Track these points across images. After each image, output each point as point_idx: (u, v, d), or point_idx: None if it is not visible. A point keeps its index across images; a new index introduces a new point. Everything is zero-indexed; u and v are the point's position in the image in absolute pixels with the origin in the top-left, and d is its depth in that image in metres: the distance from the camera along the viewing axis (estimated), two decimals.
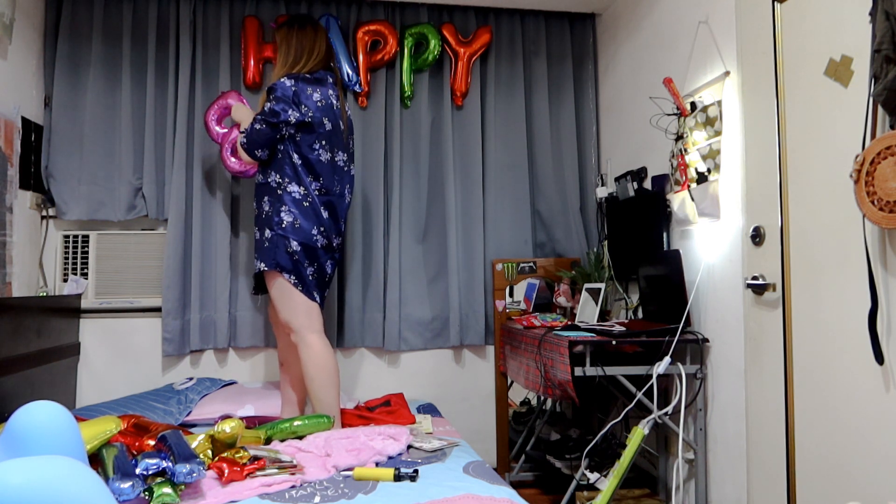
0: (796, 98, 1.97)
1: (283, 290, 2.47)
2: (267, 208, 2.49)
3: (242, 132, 2.50)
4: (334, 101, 2.55)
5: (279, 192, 2.46)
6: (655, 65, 2.84)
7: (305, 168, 2.47)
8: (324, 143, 2.48)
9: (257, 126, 2.45)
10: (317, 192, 2.48)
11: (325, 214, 2.50)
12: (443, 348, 3.29)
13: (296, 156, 2.46)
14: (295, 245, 2.44)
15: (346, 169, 2.58)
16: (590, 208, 3.43)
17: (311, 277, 2.48)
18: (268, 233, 2.47)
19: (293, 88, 2.45)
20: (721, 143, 2.32)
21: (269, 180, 2.50)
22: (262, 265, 2.48)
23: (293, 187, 2.46)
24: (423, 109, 3.29)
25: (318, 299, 2.51)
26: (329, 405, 2.47)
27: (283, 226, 2.44)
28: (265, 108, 2.46)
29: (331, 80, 2.59)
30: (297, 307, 2.48)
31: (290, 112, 2.43)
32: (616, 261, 3.06)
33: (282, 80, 2.46)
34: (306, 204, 2.46)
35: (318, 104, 2.48)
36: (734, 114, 2.28)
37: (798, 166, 1.96)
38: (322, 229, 2.49)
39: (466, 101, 3.34)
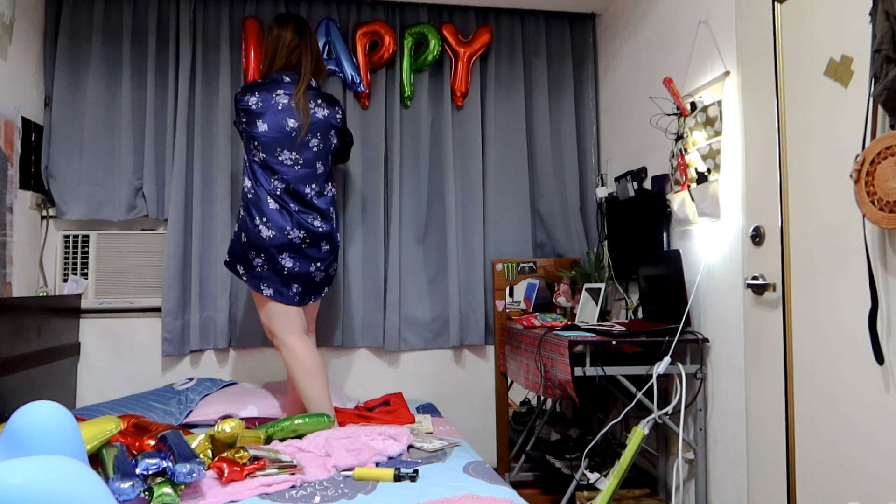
0: (796, 98, 1.97)
1: (257, 298, 2.58)
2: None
3: None
4: (282, 101, 2.54)
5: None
6: (655, 65, 2.84)
7: (249, 166, 2.58)
8: (256, 143, 2.54)
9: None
10: (261, 188, 2.55)
11: (271, 205, 2.51)
12: (443, 348, 3.29)
13: (245, 154, 2.61)
14: (243, 237, 2.54)
15: (297, 168, 2.56)
16: (590, 208, 3.43)
17: (258, 269, 2.52)
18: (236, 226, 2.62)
19: (237, 95, 2.57)
20: (721, 143, 2.32)
21: None
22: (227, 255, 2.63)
23: (246, 182, 2.58)
24: (423, 109, 3.29)
25: (268, 292, 2.52)
26: (321, 403, 2.48)
27: (239, 217, 2.56)
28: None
29: (287, 79, 2.57)
30: (269, 311, 2.55)
31: (240, 118, 2.57)
32: (616, 261, 3.06)
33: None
34: (250, 196, 2.55)
35: (255, 107, 2.53)
36: (734, 114, 2.28)
37: (798, 166, 1.96)
38: (265, 220, 2.50)
39: (466, 101, 3.34)
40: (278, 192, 2.52)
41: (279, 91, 2.55)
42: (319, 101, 2.62)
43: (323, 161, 2.62)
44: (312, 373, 2.49)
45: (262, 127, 2.52)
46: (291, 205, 2.52)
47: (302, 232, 2.52)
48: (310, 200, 2.56)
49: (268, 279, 2.52)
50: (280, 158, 2.54)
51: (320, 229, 2.57)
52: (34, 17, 2.92)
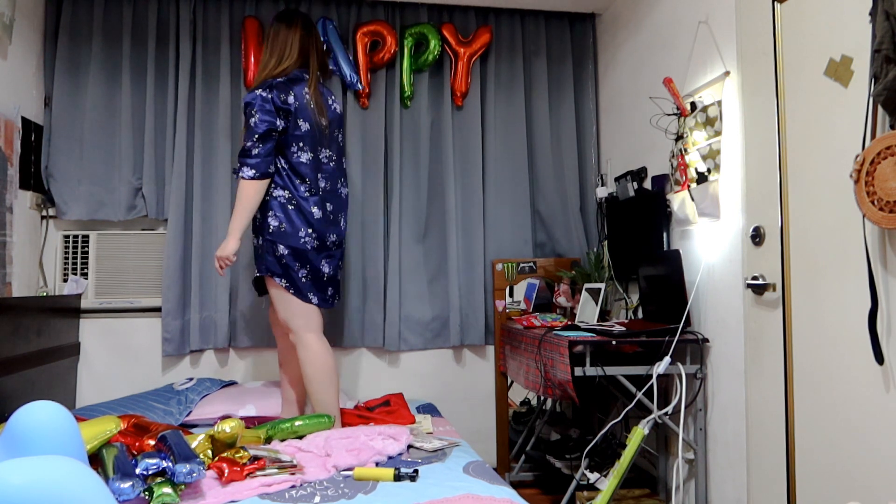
0: (796, 98, 1.97)
1: (280, 293, 2.49)
2: (258, 215, 2.49)
3: (238, 168, 2.42)
4: (309, 99, 2.52)
5: (266, 198, 2.46)
6: (655, 65, 2.84)
7: (290, 171, 2.47)
8: (301, 144, 2.47)
9: (254, 148, 2.39)
10: (307, 194, 2.48)
11: (316, 214, 2.49)
12: (443, 348, 3.29)
13: (281, 160, 2.47)
14: (282, 249, 2.44)
15: (332, 164, 2.57)
16: (590, 208, 3.43)
17: (303, 280, 2.48)
18: (260, 239, 2.49)
19: (269, 96, 2.42)
20: (721, 143, 2.32)
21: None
22: (257, 271, 2.52)
23: (278, 192, 2.46)
24: (423, 109, 3.29)
25: (315, 300, 2.51)
26: (328, 405, 2.47)
27: (271, 230, 2.45)
28: (252, 126, 2.40)
29: (306, 76, 2.56)
30: (293, 309, 2.49)
31: (276, 122, 2.42)
32: (616, 261, 3.06)
33: (255, 92, 2.43)
34: (291, 207, 2.45)
35: (294, 107, 2.46)
36: (734, 114, 2.28)
37: (798, 166, 1.96)
38: (311, 230, 2.47)
39: (466, 101, 3.34)
40: (321, 194, 2.49)
41: (306, 88, 2.52)
42: (333, 96, 2.65)
43: (344, 155, 2.63)
44: (326, 374, 2.48)
45: (305, 126, 2.47)
46: (328, 205, 2.52)
47: (335, 236, 2.55)
48: (344, 197, 2.60)
49: (314, 288, 2.51)
50: (321, 157, 2.52)
51: (345, 230, 2.61)
52: (34, 17, 2.92)
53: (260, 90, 2.43)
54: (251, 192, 2.39)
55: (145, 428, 2.04)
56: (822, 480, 1.86)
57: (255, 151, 2.39)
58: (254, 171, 2.38)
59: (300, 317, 2.49)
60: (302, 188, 2.47)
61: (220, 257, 2.44)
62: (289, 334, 2.54)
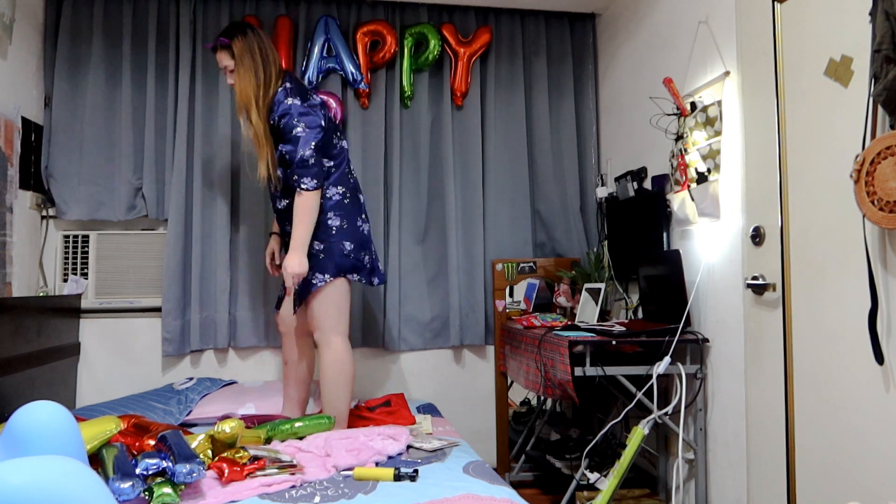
0: (796, 98, 1.97)
1: (326, 292, 2.46)
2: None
3: (297, 180, 2.38)
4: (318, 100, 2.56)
5: (321, 200, 2.47)
6: (655, 65, 2.84)
7: (336, 169, 2.50)
8: (335, 136, 2.52)
9: (311, 158, 2.38)
10: (353, 184, 2.56)
11: (361, 199, 2.59)
12: (443, 348, 3.29)
13: (325, 160, 2.47)
14: (348, 245, 2.48)
15: (347, 148, 2.64)
16: (590, 208, 3.43)
17: (368, 266, 2.56)
18: (317, 245, 2.46)
19: (300, 101, 2.42)
20: (721, 143, 2.32)
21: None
22: (326, 276, 2.45)
23: (331, 191, 2.47)
24: (423, 109, 3.29)
25: (376, 281, 2.60)
26: (339, 409, 2.47)
27: (333, 232, 2.46)
28: (297, 135, 2.38)
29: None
30: (334, 306, 2.47)
31: (320, 121, 2.42)
32: (616, 261, 3.06)
33: (285, 102, 2.41)
34: (346, 201, 2.50)
35: (331, 119, 2.52)
36: (734, 114, 2.28)
37: (798, 166, 1.96)
38: (363, 215, 2.57)
39: (466, 101, 3.34)
40: (356, 175, 2.62)
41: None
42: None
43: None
44: (345, 379, 2.48)
45: (328, 122, 2.51)
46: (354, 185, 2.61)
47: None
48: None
49: (374, 269, 2.59)
50: (344, 145, 2.59)
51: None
52: (34, 17, 2.92)
53: (289, 98, 2.42)
54: (314, 202, 2.40)
55: (145, 428, 2.04)
56: (822, 480, 1.86)
57: (312, 161, 2.38)
58: (316, 181, 2.39)
59: (333, 317, 2.48)
60: (351, 180, 2.55)
61: (297, 274, 2.39)
62: (314, 333, 2.51)
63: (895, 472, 1.61)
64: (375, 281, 2.60)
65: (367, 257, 2.55)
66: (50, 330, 2.71)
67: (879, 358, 1.63)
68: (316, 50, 3.14)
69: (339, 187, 2.49)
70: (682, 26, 2.62)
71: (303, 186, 2.38)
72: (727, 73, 2.31)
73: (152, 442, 1.88)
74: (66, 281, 2.96)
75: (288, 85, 2.47)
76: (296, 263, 2.38)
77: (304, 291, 2.47)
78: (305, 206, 2.39)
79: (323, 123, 2.44)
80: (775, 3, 2.06)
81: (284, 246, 2.67)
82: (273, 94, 2.46)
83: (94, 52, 3.02)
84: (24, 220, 2.81)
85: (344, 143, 2.58)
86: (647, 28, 2.92)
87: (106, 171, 3.02)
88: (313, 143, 2.39)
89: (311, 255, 2.46)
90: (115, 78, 3.06)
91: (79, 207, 2.97)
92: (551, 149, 3.41)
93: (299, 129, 2.39)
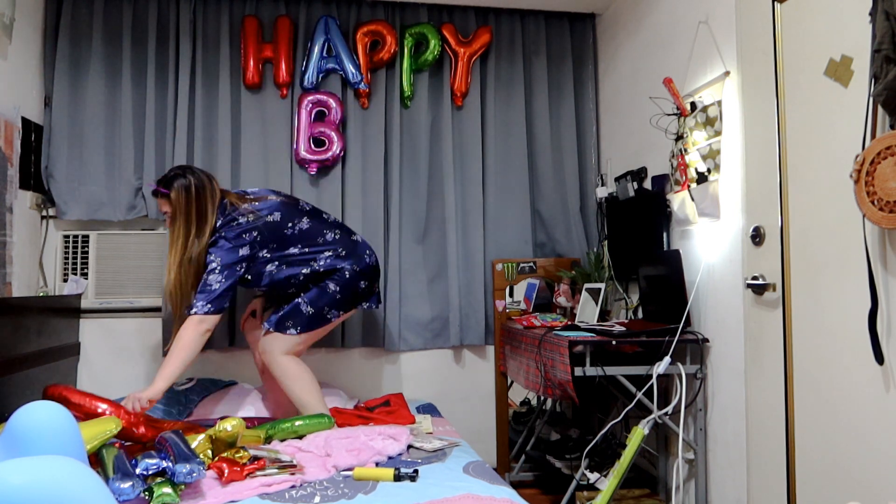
0: (796, 98, 1.97)
1: (314, 332, 2.60)
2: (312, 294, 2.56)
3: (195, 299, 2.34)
4: (277, 198, 2.57)
5: (312, 279, 2.55)
6: (655, 65, 2.84)
7: (315, 247, 2.57)
8: (289, 225, 2.52)
9: (212, 281, 2.35)
10: (339, 239, 2.62)
11: (358, 239, 2.71)
12: (443, 348, 3.29)
13: (298, 247, 2.54)
14: (363, 284, 2.66)
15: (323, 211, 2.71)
16: (590, 208, 3.43)
17: (376, 292, 2.79)
18: (311, 306, 2.55)
19: (227, 241, 2.40)
20: (721, 143, 2.32)
21: (289, 280, 2.53)
22: (306, 331, 2.56)
23: (317, 264, 2.55)
24: (423, 109, 3.29)
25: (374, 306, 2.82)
26: (309, 402, 2.49)
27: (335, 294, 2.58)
28: (210, 262, 2.39)
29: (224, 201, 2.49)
30: (307, 339, 2.59)
31: (239, 255, 2.41)
32: (616, 261, 3.06)
33: (215, 245, 2.38)
34: (343, 258, 2.60)
35: (276, 216, 2.48)
36: (734, 114, 2.28)
37: (798, 166, 1.96)
38: (368, 251, 2.71)
39: (466, 101, 3.34)
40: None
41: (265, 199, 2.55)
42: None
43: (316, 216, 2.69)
44: (303, 379, 2.51)
45: (274, 217, 2.49)
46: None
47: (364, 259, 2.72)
48: (332, 220, 2.73)
49: (372, 294, 2.73)
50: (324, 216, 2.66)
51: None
52: (34, 17, 2.92)
53: (220, 241, 2.39)
54: (197, 333, 2.29)
55: (158, 426, 2.06)
56: (822, 480, 1.86)
57: (216, 287, 2.33)
58: (210, 307, 2.31)
59: (297, 344, 2.56)
60: (336, 235, 2.62)
61: (148, 402, 2.20)
62: (263, 355, 2.54)
63: (895, 472, 1.61)
64: (369, 306, 2.74)
65: (364, 283, 2.64)
66: (50, 330, 2.71)
67: (879, 358, 1.63)
68: (316, 50, 3.15)
69: (327, 259, 2.55)
70: (682, 26, 2.62)
71: (194, 308, 2.29)
72: (727, 73, 2.31)
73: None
74: (66, 281, 2.96)
75: (218, 223, 2.41)
76: (153, 393, 2.22)
77: (282, 327, 2.53)
78: (187, 336, 2.27)
79: (247, 252, 2.41)
80: (775, 3, 2.06)
81: (272, 300, 2.79)
82: (207, 240, 2.40)
83: (94, 52, 3.02)
84: (24, 220, 2.81)
85: (304, 223, 2.53)
86: (647, 28, 2.92)
87: (106, 171, 3.02)
88: (223, 275, 2.35)
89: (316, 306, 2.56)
90: (115, 78, 3.06)
91: (79, 207, 2.97)
92: (551, 149, 3.41)
93: (215, 262, 2.36)
